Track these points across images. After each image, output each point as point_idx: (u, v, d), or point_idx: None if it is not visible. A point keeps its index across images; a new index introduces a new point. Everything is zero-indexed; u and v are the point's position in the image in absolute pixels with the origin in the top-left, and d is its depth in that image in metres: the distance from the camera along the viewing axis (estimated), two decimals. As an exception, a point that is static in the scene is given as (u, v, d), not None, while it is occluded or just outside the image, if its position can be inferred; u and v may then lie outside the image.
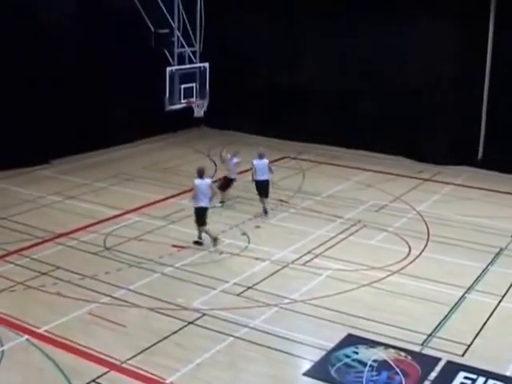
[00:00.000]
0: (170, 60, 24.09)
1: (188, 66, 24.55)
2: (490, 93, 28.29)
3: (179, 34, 24.27)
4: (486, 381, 13.13)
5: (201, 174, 19.60)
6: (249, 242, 19.89)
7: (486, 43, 27.80)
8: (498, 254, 19.66)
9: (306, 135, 31.42)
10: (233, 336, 14.59)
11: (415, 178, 27.05)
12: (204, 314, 15.50)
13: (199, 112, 25.08)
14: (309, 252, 19.28)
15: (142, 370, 13.25)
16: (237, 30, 31.87)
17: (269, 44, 32.04)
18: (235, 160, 23.24)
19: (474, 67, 28.16)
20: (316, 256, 19.05)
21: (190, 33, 24.97)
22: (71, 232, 20.36)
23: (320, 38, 30.84)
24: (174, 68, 23.80)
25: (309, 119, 31.33)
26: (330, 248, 19.64)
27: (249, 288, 16.94)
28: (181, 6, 24.14)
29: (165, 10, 24.31)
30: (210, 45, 26.03)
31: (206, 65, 24.95)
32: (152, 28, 24.24)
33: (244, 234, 20.53)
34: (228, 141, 31.43)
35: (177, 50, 24.16)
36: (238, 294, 16.59)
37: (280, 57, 31.97)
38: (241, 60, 32.03)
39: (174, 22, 24.00)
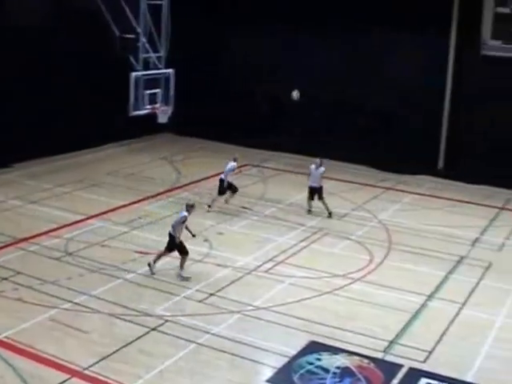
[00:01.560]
0: (135, 65, 24.03)
1: (153, 71, 24.52)
2: (451, 103, 28.69)
3: (144, 40, 24.24)
4: (447, 387, 13.29)
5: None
6: (211, 249, 19.87)
7: (448, 57, 28.29)
8: (458, 262, 19.88)
9: (269, 143, 31.49)
10: (196, 342, 14.55)
11: (378, 186, 27.25)
12: (167, 321, 15.44)
13: (164, 118, 25.05)
14: (271, 259, 19.31)
15: (103, 376, 13.14)
16: (203, 36, 31.85)
17: (235, 50, 32.07)
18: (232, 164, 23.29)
19: (436, 79, 28.57)
20: (278, 263, 19.09)
21: (156, 38, 24.94)
22: (33, 237, 20.14)
23: (286, 46, 31.03)
24: (138, 73, 23.75)
25: (273, 128, 31.40)
26: (292, 255, 19.70)
27: (211, 295, 16.91)
28: (147, 12, 24.10)
29: (130, 15, 24.23)
30: (176, 51, 26.01)
31: (172, 71, 24.93)
32: (117, 33, 24.13)
33: (206, 240, 20.49)
34: (192, 148, 31.46)
35: (142, 56, 24.12)
36: (201, 301, 16.56)
37: (245, 63, 32.02)
38: (206, 66, 32.01)
39: (139, 27, 23.95)
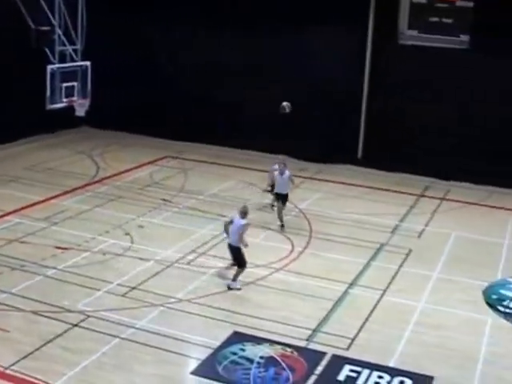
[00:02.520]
0: (51, 58, 23.63)
1: (69, 64, 24.15)
2: (369, 92, 29.08)
3: (60, 32, 23.84)
4: (370, 372, 13.46)
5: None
6: (132, 242, 19.70)
7: (366, 47, 28.70)
8: (379, 250, 20.18)
9: (188, 135, 31.37)
10: (119, 337, 14.42)
11: (297, 176, 27.36)
12: (89, 316, 15.25)
13: (81, 111, 24.75)
14: (193, 251, 19.26)
15: (26, 375, 12.91)
16: (120, 29, 31.43)
17: (152, 42, 31.77)
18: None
19: (354, 69, 28.93)
20: (200, 255, 19.05)
21: (72, 31, 24.55)
22: None
23: (204, 37, 30.97)
24: (54, 66, 23.37)
25: (191, 119, 31.30)
26: (213, 247, 19.67)
27: (133, 288, 16.77)
28: (62, 4, 23.71)
29: (46, 8, 23.79)
30: (93, 43, 25.65)
31: (88, 63, 24.61)
32: (32, 25, 23.67)
33: (127, 234, 20.31)
34: (111, 141, 31.11)
35: (58, 48, 23.72)
36: (123, 295, 16.41)
37: (161, 55, 31.76)
38: (123, 59, 31.63)
39: (54, 19, 23.54)
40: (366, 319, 15.80)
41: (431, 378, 13.50)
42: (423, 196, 26.19)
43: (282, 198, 21.62)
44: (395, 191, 26.22)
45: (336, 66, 28.92)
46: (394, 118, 28.66)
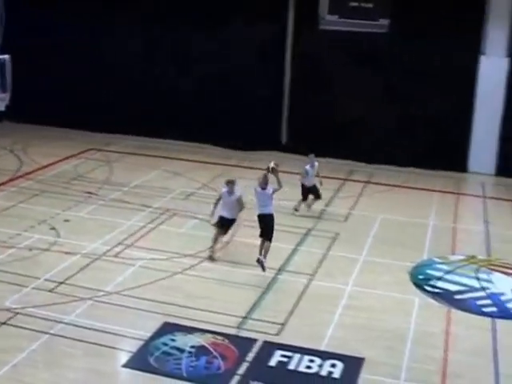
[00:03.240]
0: (-32, 52, 23.08)
1: (-14, 58, 23.62)
2: (291, 78, 29.25)
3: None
4: (301, 357, 13.57)
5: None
6: (58, 237, 19.42)
7: (287, 32, 28.83)
8: (306, 235, 20.33)
9: (113, 127, 31.02)
10: (48, 333, 14.21)
11: (223, 164, 27.40)
12: (17, 313, 14.98)
13: (1, 106, 24.17)
14: (120, 243, 19.09)
15: (-47, 376, 12.68)
16: (39, 22, 30.83)
17: (71, 37, 31.20)
18: None
19: (276, 55, 29.05)
20: (127, 247, 18.90)
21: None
22: None
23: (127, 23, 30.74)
24: (-30, 60, 22.84)
25: (115, 110, 30.95)
26: (141, 238, 19.55)
27: (61, 283, 16.54)
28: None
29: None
30: (12, 36, 25.11)
31: (7, 57, 24.06)
32: None
33: (53, 228, 20.02)
34: (33, 135, 30.55)
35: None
36: (51, 290, 16.17)
37: (83, 47, 31.27)
38: (44, 52, 31.04)
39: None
40: (296, 304, 15.91)
41: (361, 360, 13.68)
42: (348, 180, 26.49)
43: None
44: (320, 176, 26.37)
45: (257, 52, 28.98)
46: (317, 103, 28.87)
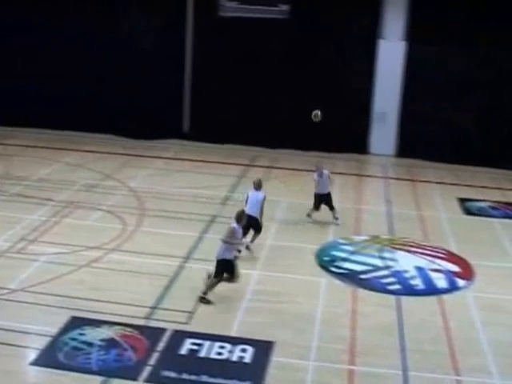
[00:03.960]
0: None
1: None
2: (192, 66, 29.17)
3: None
4: (212, 344, 13.59)
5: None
6: (-42, 235, 18.93)
7: (186, 19, 28.74)
8: (211, 222, 20.32)
9: (10, 119, 30.22)
10: (-49, 334, 13.85)
11: (126, 154, 27.16)
12: None
13: None
14: (23, 239, 18.67)
15: None
16: None
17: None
18: None
19: (176, 44, 28.91)
20: (31, 242, 18.51)
21: None
22: None
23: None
24: None
25: (15, 103, 30.16)
26: (44, 233, 19.18)
27: (-37, 282, 16.13)
28: None
29: None
30: None
31: None
32: None
33: (-47, 226, 19.50)
34: None
35: None
36: (-48, 290, 15.75)
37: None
38: None
39: None
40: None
41: (271, 343, 13.79)
42: (252, 166, 26.60)
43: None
44: (223, 163, 26.49)
45: (157, 40, 28.78)
46: (219, 90, 28.89)
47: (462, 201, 24.08)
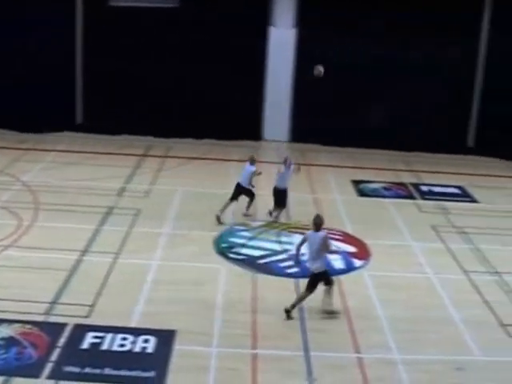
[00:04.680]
0: None
1: None
2: (84, 59, 28.79)
3: None
4: (114, 336, 13.51)
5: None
6: None
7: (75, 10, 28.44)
8: (108, 214, 20.15)
9: None
10: None
11: (17, 149, 26.58)
12: None
13: None
14: None
15: None
16: None
17: None
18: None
19: (67, 35, 28.51)
20: None
21: None
22: None
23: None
24: None
25: None
26: None
27: None
28: None
29: None
30: None
31: None
32: None
33: None
34: None
35: None
36: None
37: None
38: None
39: None
40: (103, 284, 15.78)
41: (174, 332, 13.82)
42: (146, 156, 26.47)
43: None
44: (118, 154, 26.27)
45: (50, 31, 28.19)
46: (111, 81, 28.60)
47: (356, 183, 24.63)
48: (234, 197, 20.42)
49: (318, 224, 14.82)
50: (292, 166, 20.40)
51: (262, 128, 29.51)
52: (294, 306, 14.80)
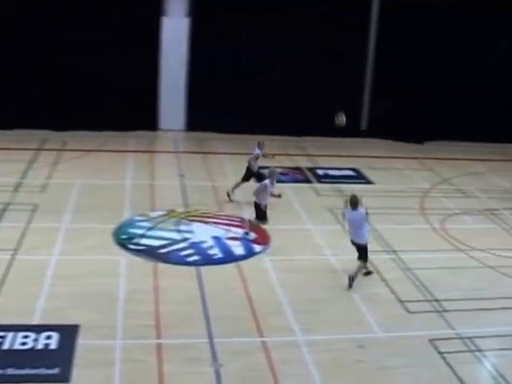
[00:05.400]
0: None
1: None
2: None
3: None
4: (15, 335, 13.27)
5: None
6: None
7: None
8: (3, 210, 19.75)
9: None
10: None
11: None
12: None
13: None
14: None
15: None
16: None
17: None
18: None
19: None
20: None
21: None
22: None
23: None
24: None
25: None
26: None
27: None
28: None
29: None
30: None
31: None
32: None
33: None
34: None
35: None
36: None
37: None
38: None
39: None
40: (2, 282, 15.47)
41: (76, 327, 13.71)
42: (41, 150, 26.03)
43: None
44: (12, 149, 25.74)
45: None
46: (2, 74, 27.86)
47: (253, 169, 24.83)
48: (245, 178, 21.74)
49: (354, 203, 16.27)
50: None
51: (158, 118, 29.41)
52: (355, 276, 16.14)
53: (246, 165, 21.88)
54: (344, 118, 20.37)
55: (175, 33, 28.74)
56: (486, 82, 29.81)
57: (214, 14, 27.83)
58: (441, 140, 30.58)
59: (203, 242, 18.13)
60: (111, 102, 28.11)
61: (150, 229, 18.89)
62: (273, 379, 12.54)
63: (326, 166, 25.95)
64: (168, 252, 17.50)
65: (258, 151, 21.79)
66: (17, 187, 21.78)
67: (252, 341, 13.76)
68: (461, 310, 15.54)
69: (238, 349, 13.42)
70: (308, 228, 19.82)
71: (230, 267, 16.93)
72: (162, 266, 16.76)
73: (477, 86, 29.69)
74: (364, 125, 31.06)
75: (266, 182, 19.38)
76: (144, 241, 18.09)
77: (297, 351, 13.51)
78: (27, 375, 12.22)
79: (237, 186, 21.71)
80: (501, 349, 14.22)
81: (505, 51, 30.54)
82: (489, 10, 29.17)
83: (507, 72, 30.24)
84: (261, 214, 19.30)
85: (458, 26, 29.60)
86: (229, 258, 17.43)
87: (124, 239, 18.16)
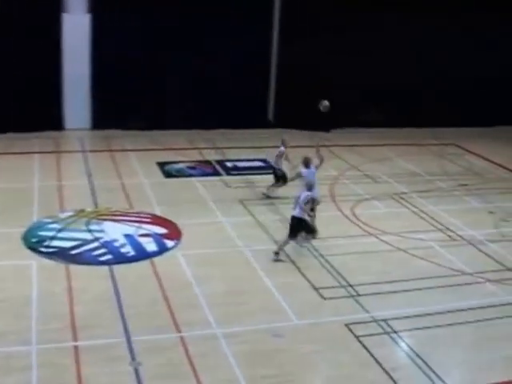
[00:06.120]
0: None
1: None
2: None
3: None
4: None
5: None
6: None
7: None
8: None
9: None
10: None
11: None
12: None
13: None
14: None
15: None
16: None
17: None
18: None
19: None
20: None
21: None
22: None
23: None
24: None
25: None
26: None
27: None
28: None
29: None
30: None
31: None
32: None
33: None
34: None
35: None
36: None
37: None
38: None
39: None
40: None
41: (-11, 334, 13.47)
42: None
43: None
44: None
45: None
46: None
47: (161, 164, 24.77)
48: (278, 179, 21.84)
49: (307, 162, 18.70)
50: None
51: (62, 117, 28.92)
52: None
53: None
54: (327, 102, 20.32)
55: (77, 30, 28.23)
56: (388, 69, 30.29)
57: (114, 10, 27.51)
58: (346, 127, 31.02)
59: (115, 240, 17.98)
60: (13, 102, 27.51)
61: (60, 230, 18.61)
62: (193, 373, 12.55)
63: (235, 158, 26.02)
64: (80, 253, 17.29)
65: (282, 149, 21.59)
66: None
67: (169, 336, 13.75)
68: (374, 294, 15.87)
69: (156, 345, 13.38)
70: (219, 221, 19.86)
71: (143, 264, 16.85)
72: (74, 267, 16.55)
73: (377, 73, 30.11)
74: (271, 115, 31.24)
75: (308, 193, 17.53)
76: (55, 243, 17.81)
77: (215, 344, 13.56)
78: None
79: (273, 187, 21.97)
80: (415, 328, 14.57)
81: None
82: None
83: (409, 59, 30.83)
84: (309, 228, 18.08)
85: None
86: (141, 255, 17.35)
87: (34, 242, 17.85)
